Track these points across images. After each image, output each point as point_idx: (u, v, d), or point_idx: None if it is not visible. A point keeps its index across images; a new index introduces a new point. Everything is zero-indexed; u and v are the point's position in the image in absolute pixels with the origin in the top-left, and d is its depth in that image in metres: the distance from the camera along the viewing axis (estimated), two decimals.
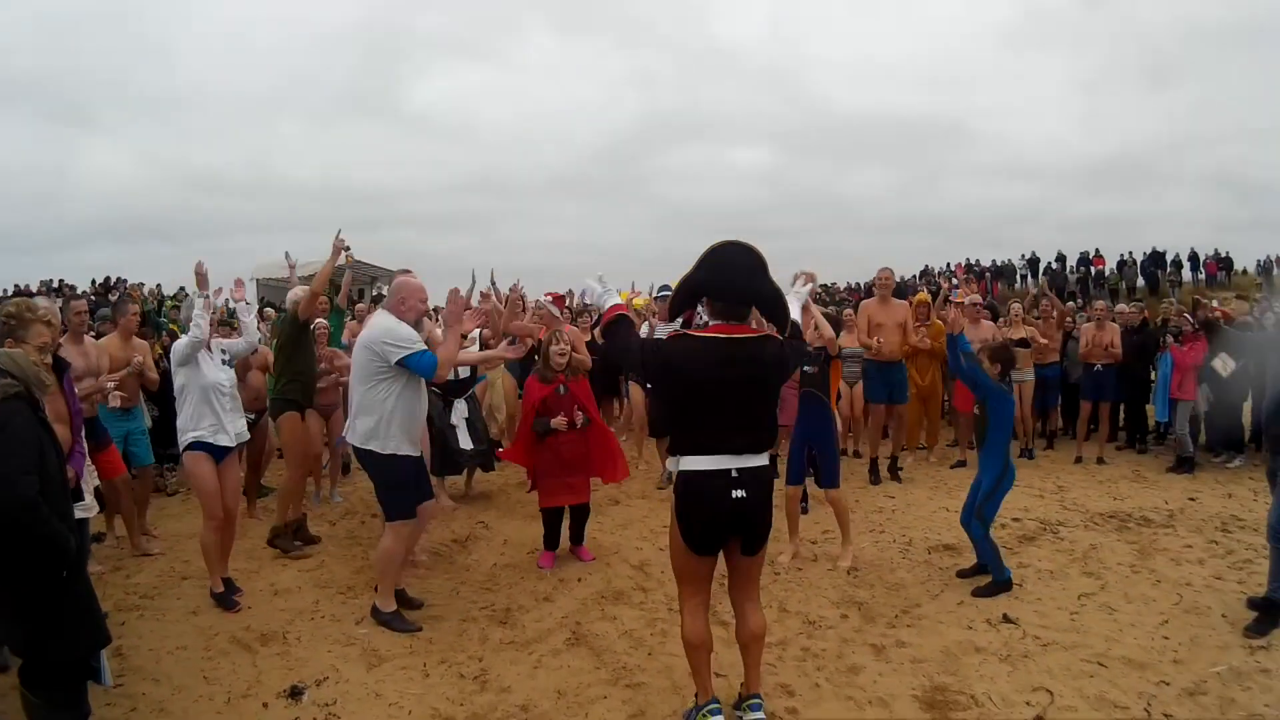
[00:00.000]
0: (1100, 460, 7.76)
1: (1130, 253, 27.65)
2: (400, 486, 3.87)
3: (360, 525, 5.91)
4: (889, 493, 6.68)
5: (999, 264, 30.03)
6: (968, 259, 30.76)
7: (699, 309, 2.89)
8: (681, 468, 2.68)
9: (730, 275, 2.68)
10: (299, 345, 5.22)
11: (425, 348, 3.74)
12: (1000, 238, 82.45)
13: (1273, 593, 3.81)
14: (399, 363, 3.69)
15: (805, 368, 4.65)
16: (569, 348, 4.80)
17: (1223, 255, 26.61)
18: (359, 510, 6.29)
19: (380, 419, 3.75)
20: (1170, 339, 7.31)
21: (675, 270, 3.10)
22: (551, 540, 4.87)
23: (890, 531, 5.61)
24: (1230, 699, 3.18)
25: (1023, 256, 29.95)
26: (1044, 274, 27.93)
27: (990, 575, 4.33)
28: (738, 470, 2.60)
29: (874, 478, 7.05)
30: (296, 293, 5.41)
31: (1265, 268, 26.63)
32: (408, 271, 4.20)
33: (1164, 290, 24.81)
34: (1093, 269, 28.08)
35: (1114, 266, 27.64)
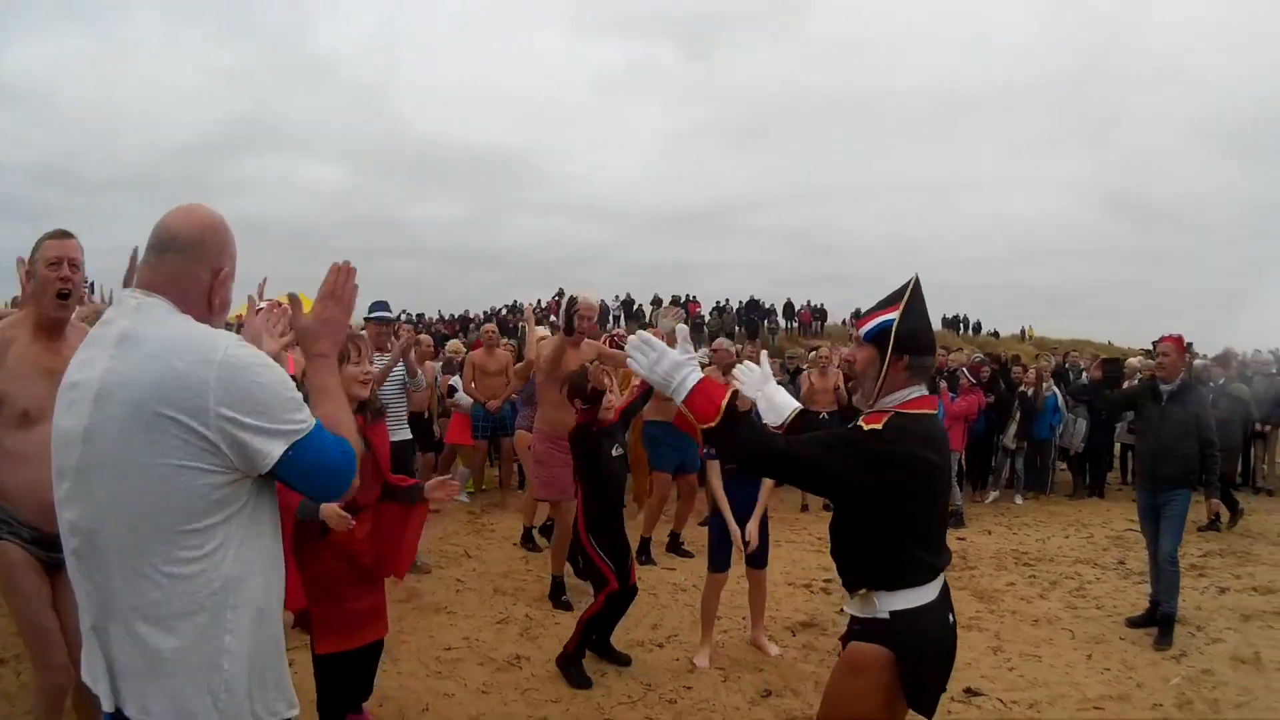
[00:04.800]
0: (826, 507, 9.05)
1: (727, 299, 32.63)
2: None
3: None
4: (684, 573, 6.74)
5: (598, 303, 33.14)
6: (561, 289, 33.48)
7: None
8: (897, 607, 2.31)
9: (929, 325, 2.51)
10: None
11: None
12: (561, 276, 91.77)
13: (1169, 607, 5.07)
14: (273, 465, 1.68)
15: None
16: (373, 369, 3.72)
17: (816, 306, 32.79)
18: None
19: (212, 638, 1.65)
20: (944, 386, 8.82)
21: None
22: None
23: (730, 617, 5.74)
24: (1214, 699, 4.24)
25: (616, 298, 33.58)
26: (634, 316, 31.71)
27: None
28: (940, 590, 2.43)
29: (646, 557, 7.09)
30: None
31: (857, 316, 33.36)
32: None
33: (764, 337, 29.63)
34: (688, 313, 32.48)
35: (711, 311, 32.16)
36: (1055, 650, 4.99)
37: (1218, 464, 5.28)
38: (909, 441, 2.27)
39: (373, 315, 6.17)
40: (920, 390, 2.40)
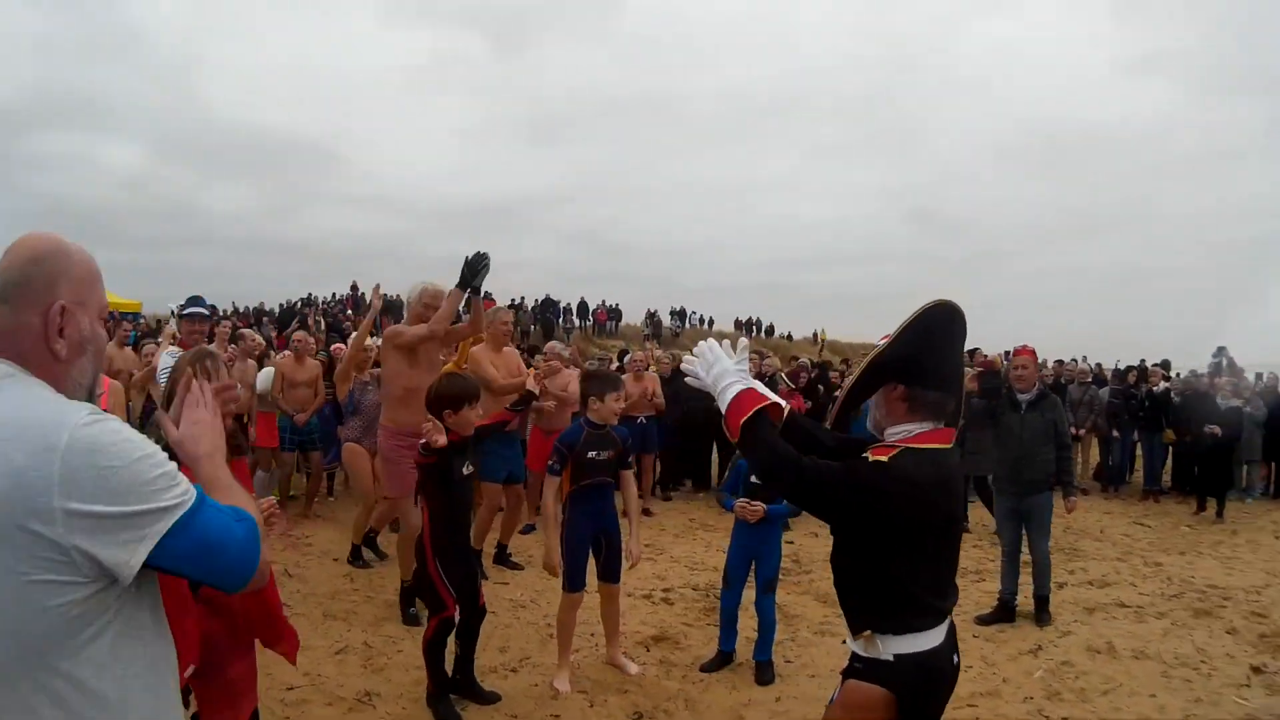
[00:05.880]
0: (647, 512, 9.09)
1: (521, 297, 32.58)
2: None
3: None
4: (518, 586, 6.47)
5: (391, 297, 32.31)
6: (356, 281, 32.73)
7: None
8: (902, 651, 2.26)
9: (958, 353, 2.49)
10: None
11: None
12: (356, 269, 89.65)
13: (1043, 590, 5.63)
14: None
15: (594, 454, 4.57)
16: (239, 390, 3.20)
17: (612, 306, 33.24)
18: None
19: None
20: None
21: None
22: None
23: (579, 634, 5.55)
24: (1080, 688, 4.56)
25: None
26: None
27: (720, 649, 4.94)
28: (946, 632, 2.38)
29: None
30: None
31: (652, 318, 34.09)
32: None
33: (559, 336, 29.81)
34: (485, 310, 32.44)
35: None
36: None
37: (1073, 465, 5.70)
38: (915, 479, 2.20)
39: (186, 312, 5.69)
40: (930, 425, 2.31)
